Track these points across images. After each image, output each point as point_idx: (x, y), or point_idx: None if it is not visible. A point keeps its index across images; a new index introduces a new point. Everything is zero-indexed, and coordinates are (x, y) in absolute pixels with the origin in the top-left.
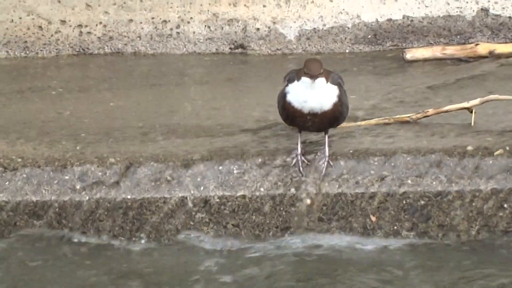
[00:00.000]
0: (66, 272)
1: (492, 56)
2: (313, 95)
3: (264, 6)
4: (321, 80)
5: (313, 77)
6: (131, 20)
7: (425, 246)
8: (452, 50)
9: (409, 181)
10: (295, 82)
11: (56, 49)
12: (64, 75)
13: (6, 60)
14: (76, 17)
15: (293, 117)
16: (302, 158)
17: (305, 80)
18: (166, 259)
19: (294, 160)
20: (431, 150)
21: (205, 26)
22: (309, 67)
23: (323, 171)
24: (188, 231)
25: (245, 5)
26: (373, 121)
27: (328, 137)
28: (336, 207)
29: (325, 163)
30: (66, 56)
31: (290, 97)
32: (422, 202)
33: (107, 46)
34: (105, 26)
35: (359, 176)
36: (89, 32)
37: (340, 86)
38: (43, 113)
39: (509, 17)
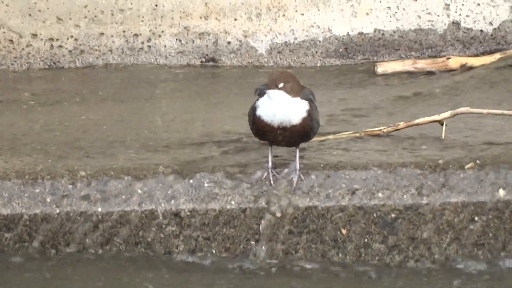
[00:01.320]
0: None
1: (464, 69)
2: (279, 108)
3: (235, 19)
4: (275, 92)
5: (266, 87)
6: (102, 34)
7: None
8: (423, 64)
9: (380, 195)
10: (265, 96)
11: (27, 63)
12: (35, 89)
13: None
14: (47, 30)
15: (263, 132)
16: (273, 171)
17: (268, 92)
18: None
19: (265, 174)
20: (402, 164)
21: (176, 39)
22: (268, 78)
23: (294, 185)
24: (158, 243)
25: (216, 18)
26: (344, 135)
27: (300, 151)
28: (307, 219)
29: (296, 177)
30: (37, 70)
31: (259, 111)
32: (393, 215)
33: (78, 59)
34: (76, 39)
35: (330, 189)
36: (60, 46)
37: (311, 101)
38: (14, 126)
39: (481, 30)
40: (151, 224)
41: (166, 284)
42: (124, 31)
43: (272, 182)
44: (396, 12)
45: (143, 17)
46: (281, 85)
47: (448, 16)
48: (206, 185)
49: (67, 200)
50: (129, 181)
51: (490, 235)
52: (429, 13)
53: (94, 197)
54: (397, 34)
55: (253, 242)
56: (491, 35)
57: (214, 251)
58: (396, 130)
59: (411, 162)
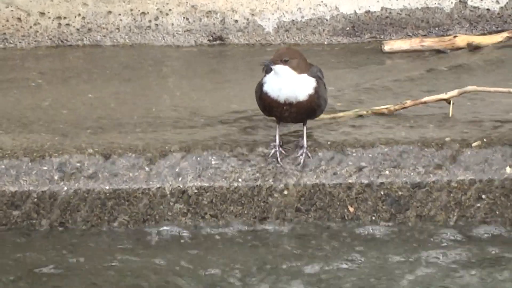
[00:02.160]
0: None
1: (471, 48)
2: (286, 83)
3: None
4: (281, 67)
5: (271, 62)
6: (109, 12)
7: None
8: (430, 42)
9: (387, 172)
10: (272, 72)
11: (35, 41)
12: (42, 67)
13: None
14: (55, 9)
15: (270, 107)
16: (280, 149)
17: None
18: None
19: (272, 151)
20: (409, 141)
21: (184, 18)
22: (275, 53)
23: (301, 162)
24: (165, 221)
25: None
26: (351, 113)
27: (307, 128)
28: (314, 197)
29: (303, 154)
30: (45, 48)
31: (266, 87)
32: (400, 193)
33: (86, 38)
34: (83, 18)
35: (337, 167)
36: (68, 24)
37: (319, 78)
38: (22, 104)
39: (487, 9)
40: (158, 202)
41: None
42: (131, 10)
43: (279, 159)
44: None
45: None
46: (286, 60)
47: None
48: (213, 162)
49: (75, 178)
50: (137, 158)
51: (497, 213)
52: None
53: (101, 174)
54: (404, 13)
55: (260, 220)
56: (498, 13)
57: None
58: (403, 108)
59: (418, 140)
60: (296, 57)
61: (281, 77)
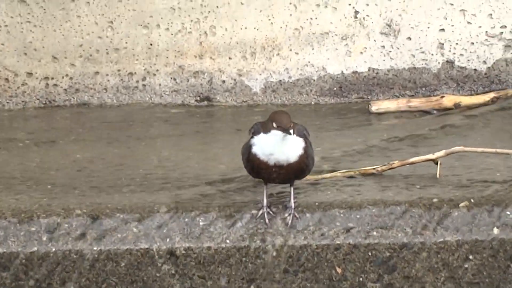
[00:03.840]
0: None
1: (458, 108)
2: (280, 147)
3: (229, 58)
4: (292, 133)
5: (285, 130)
6: (97, 73)
7: None
8: (417, 103)
9: (375, 233)
10: (261, 134)
11: (23, 101)
12: (30, 127)
13: None
14: (42, 69)
15: (258, 170)
16: (268, 210)
17: (276, 133)
18: None
19: (260, 212)
20: (396, 202)
21: (171, 78)
22: (279, 120)
23: (289, 223)
24: (153, 282)
25: (210, 57)
26: (338, 173)
27: (294, 189)
28: (301, 258)
29: (291, 215)
30: (32, 108)
31: (255, 149)
32: (388, 254)
33: (74, 98)
34: (71, 78)
35: (324, 228)
36: (55, 84)
37: (305, 138)
38: (10, 165)
39: (475, 69)
40: (146, 263)
41: None
42: (119, 70)
43: (267, 220)
44: (390, 51)
45: (138, 56)
46: (291, 125)
47: (442, 55)
48: (201, 223)
49: (63, 239)
50: (124, 219)
51: (484, 274)
52: (423, 52)
53: (90, 235)
54: (391, 73)
55: (248, 281)
56: (485, 73)
57: None
58: (390, 168)
59: (406, 200)
60: (290, 119)
61: (283, 141)
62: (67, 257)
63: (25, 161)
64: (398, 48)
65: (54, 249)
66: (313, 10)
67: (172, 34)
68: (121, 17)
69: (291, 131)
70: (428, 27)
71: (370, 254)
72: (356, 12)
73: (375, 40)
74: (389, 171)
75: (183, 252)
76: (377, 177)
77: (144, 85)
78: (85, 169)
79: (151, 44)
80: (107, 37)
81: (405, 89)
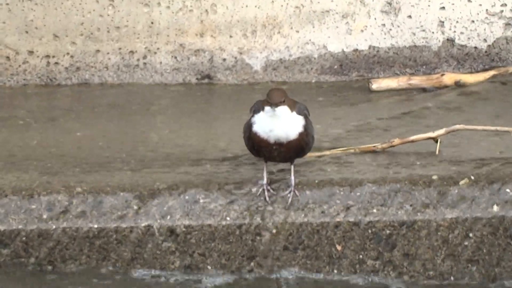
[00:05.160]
0: None
1: (458, 86)
2: (278, 124)
3: (230, 36)
4: (282, 108)
5: (273, 105)
6: (98, 51)
7: None
8: (417, 81)
9: (375, 211)
10: (261, 112)
11: (24, 79)
12: (31, 105)
13: None
14: (43, 47)
15: (259, 147)
16: (268, 187)
17: (267, 109)
18: None
19: (260, 190)
20: (396, 180)
21: (172, 56)
22: (270, 96)
23: (289, 201)
24: (154, 260)
25: (211, 35)
26: (338, 151)
27: (294, 166)
28: (302, 236)
29: (291, 193)
30: (33, 86)
31: (256, 127)
32: (388, 232)
33: (74, 76)
34: (72, 56)
35: (324, 205)
36: (56, 63)
37: (305, 116)
38: (10, 142)
39: (475, 47)
40: (147, 241)
41: None
42: (120, 48)
43: (267, 198)
44: (390, 29)
45: (138, 34)
46: (283, 100)
47: (443, 33)
48: (201, 201)
49: (64, 216)
50: (125, 197)
51: (484, 251)
52: (423, 30)
53: (90, 213)
54: (392, 51)
55: (248, 258)
56: (485, 52)
57: (209, 267)
58: (391, 146)
59: (406, 178)
60: (286, 96)
61: (278, 118)
62: (68, 234)
63: (25, 139)
64: (398, 26)
65: (54, 227)
66: None
67: (173, 12)
68: None
69: (280, 107)
70: (429, 5)
71: (370, 231)
72: None
73: (375, 18)
74: (390, 148)
75: (184, 229)
76: (377, 155)
77: (145, 63)
78: (86, 147)
79: (152, 23)
80: (108, 15)
81: (405, 67)
